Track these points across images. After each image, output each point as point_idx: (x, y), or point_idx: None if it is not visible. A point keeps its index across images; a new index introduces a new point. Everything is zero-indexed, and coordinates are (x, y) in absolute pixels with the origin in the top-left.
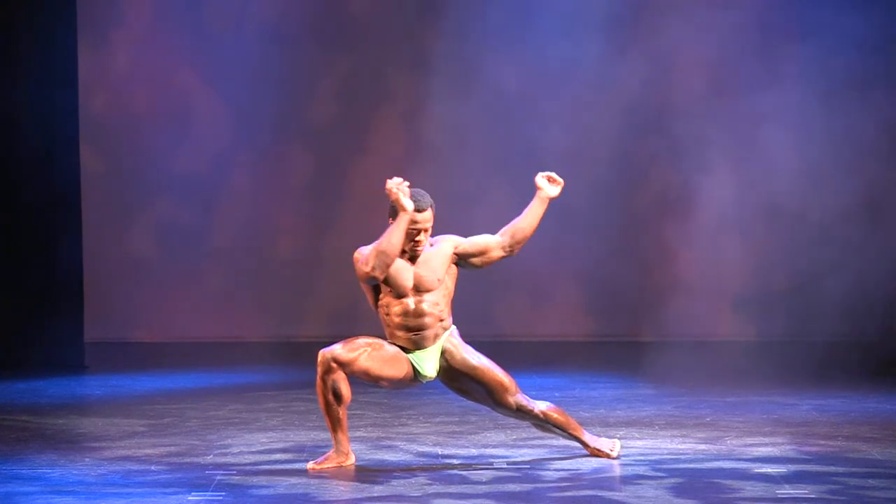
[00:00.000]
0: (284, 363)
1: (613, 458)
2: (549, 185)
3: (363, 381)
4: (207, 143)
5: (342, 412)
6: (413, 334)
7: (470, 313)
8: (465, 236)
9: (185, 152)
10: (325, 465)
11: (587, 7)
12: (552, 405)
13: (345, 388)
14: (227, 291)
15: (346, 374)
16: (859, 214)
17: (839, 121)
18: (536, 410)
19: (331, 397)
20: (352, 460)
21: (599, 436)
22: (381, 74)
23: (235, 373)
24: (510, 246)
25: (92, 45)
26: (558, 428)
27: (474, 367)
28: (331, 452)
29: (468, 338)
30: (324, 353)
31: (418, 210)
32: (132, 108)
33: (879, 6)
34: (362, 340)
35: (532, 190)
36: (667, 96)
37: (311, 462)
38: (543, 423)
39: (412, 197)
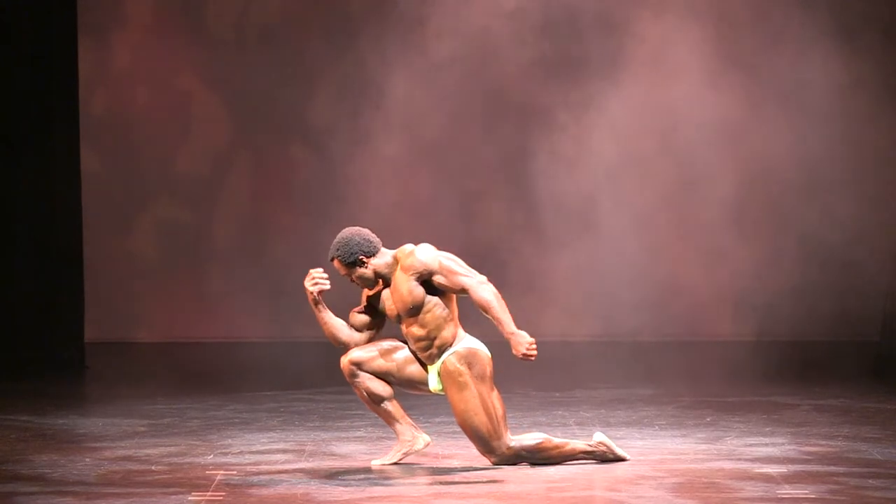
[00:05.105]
0: (284, 363)
1: (618, 454)
2: (517, 350)
3: (386, 380)
4: (207, 143)
5: (389, 405)
6: (416, 352)
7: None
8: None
9: (185, 152)
10: (392, 460)
11: (587, 9)
12: (540, 438)
13: (378, 386)
14: (227, 291)
15: (367, 372)
16: (859, 213)
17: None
18: (525, 451)
19: (367, 397)
20: (420, 445)
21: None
22: (381, 74)
23: (235, 373)
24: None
25: (92, 45)
26: (556, 457)
27: (456, 410)
28: (395, 445)
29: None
30: (342, 360)
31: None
32: (132, 108)
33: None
34: (384, 343)
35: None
36: (667, 95)
37: (377, 460)
38: (538, 457)
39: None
